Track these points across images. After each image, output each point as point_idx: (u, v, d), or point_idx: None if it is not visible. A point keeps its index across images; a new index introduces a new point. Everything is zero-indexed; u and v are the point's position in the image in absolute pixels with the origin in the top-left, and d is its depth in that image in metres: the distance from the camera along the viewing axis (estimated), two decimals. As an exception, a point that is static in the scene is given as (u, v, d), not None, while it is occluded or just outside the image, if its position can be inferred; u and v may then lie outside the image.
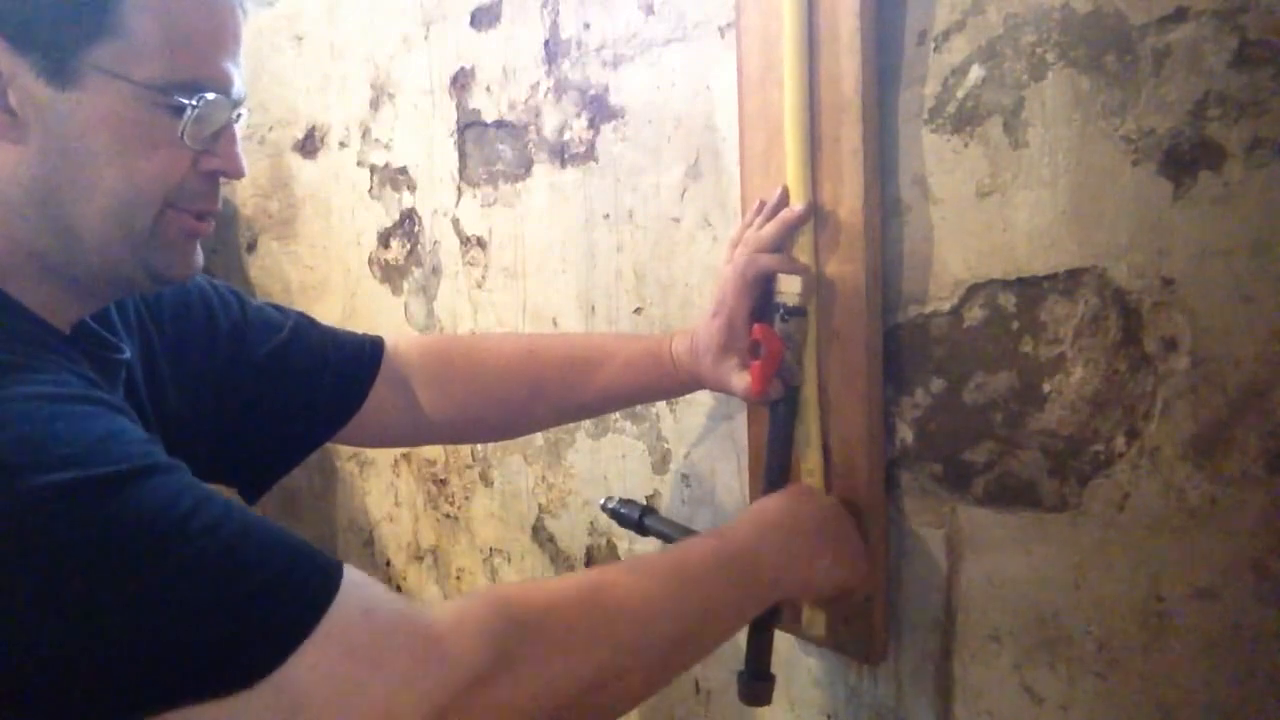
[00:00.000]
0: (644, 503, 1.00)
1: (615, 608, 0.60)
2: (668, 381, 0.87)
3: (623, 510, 0.94)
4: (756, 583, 0.69)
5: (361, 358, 0.88)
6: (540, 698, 0.54)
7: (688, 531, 0.89)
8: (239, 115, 0.65)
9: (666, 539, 0.91)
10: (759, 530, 0.71)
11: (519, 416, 0.94)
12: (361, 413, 0.86)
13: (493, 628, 0.54)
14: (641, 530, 0.93)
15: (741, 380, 0.79)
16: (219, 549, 0.49)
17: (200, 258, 0.66)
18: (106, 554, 0.47)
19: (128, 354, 0.68)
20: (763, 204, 0.80)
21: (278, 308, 0.87)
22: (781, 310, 0.78)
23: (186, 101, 0.59)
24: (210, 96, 0.60)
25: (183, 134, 0.60)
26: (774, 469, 0.80)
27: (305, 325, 0.87)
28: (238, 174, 0.65)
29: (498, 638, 0.53)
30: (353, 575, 0.53)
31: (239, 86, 0.63)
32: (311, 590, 0.51)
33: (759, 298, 0.80)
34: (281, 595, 0.50)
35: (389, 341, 0.90)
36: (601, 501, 0.97)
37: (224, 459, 0.82)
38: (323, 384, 0.84)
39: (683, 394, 0.93)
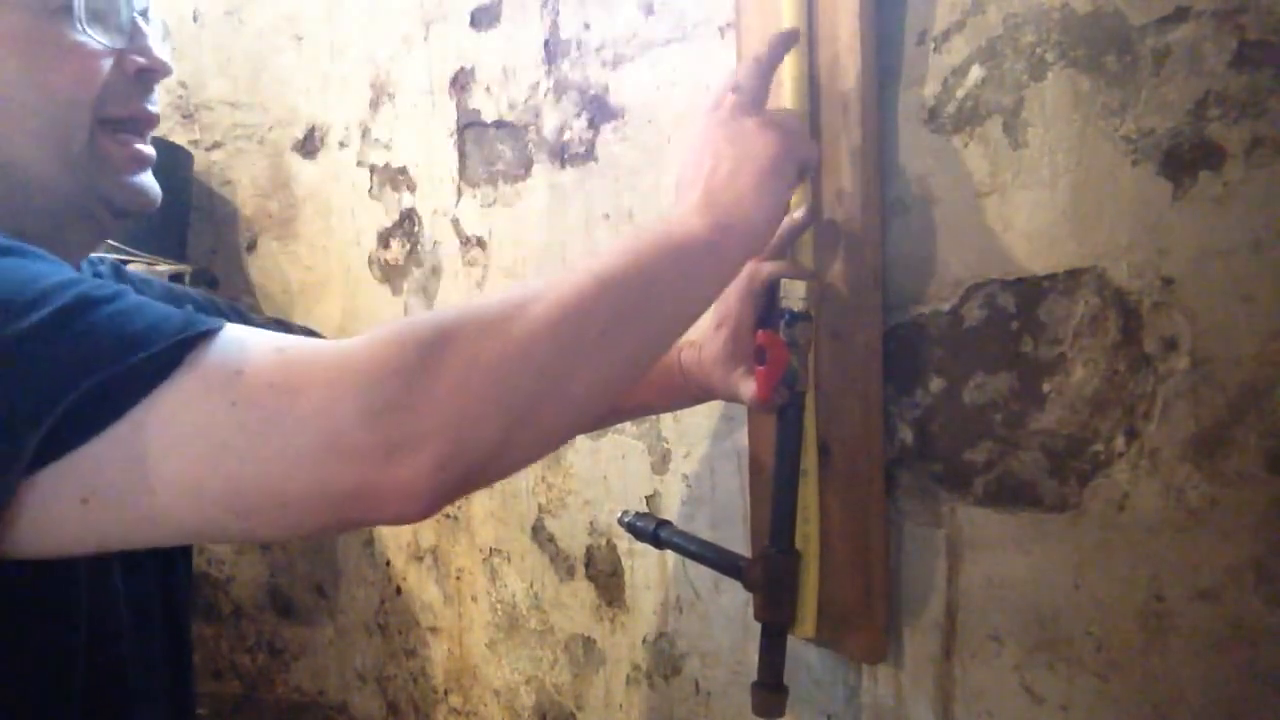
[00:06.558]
0: (647, 508, 1.00)
1: (539, 293, 0.52)
2: (680, 394, 0.87)
3: (639, 524, 0.94)
4: (692, 237, 0.59)
5: None
6: (481, 383, 0.48)
7: (705, 545, 0.88)
8: (144, 10, 0.64)
9: (683, 551, 0.90)
10: (679, 193, 0.64)
11: None
12: None
13: (409, 332, 0.49)
14: (657, 543, 0.93)
15: (749, 388, 0.79)
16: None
17: (155, 188, 0.67)
18: None
19: None
20: None
21: (283, 324, 0.85)
22: (787, 316, 0.78)
23: None
24: None
25: (84, 32, 0.59)
26: (783, 474, 0.80)
27: None
28: (161, 69, 0.64)
29: (418, 337, 0.49)
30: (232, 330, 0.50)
31: None
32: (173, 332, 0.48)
33: (763, 304, 0.80)
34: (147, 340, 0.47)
35: None
36: (619, 515, 0.97)
37: None
38: None
39: (694, 405, 0.93)
